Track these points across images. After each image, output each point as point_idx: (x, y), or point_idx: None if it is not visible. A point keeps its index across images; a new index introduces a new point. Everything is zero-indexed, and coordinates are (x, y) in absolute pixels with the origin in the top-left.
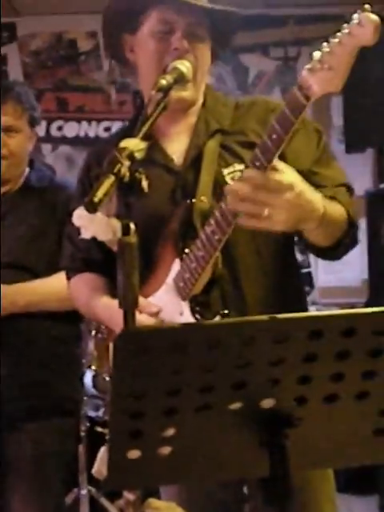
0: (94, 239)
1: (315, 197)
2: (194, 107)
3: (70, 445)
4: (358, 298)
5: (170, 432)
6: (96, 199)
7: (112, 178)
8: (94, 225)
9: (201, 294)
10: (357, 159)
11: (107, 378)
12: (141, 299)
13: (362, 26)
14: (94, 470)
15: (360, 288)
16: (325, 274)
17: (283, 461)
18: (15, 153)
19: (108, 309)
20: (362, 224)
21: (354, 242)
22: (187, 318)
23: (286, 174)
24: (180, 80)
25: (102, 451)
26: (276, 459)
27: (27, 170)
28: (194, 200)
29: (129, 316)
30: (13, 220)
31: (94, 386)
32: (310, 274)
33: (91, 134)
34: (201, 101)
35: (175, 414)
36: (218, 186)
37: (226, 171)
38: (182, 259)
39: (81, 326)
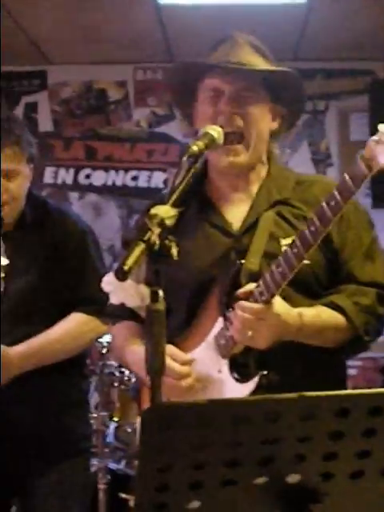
0: None
1: (289, 316)
2: (255, 175)
3: (85, 487)
4: (382, 352)
5: (195, 505)
6: (126, 267)
7: (142, 246)
8: (123, 291)
9: (240, 354)
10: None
11: (130, 430)
12: (173, 348)
13: None
14: None
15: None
16: None
17: None
18: (16, 196)
19: (135, 354)
20: None
21: (360, 347)
22: (225, 375)
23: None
24: (211, 145)
25: None
26: None
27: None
28: (243, 261)
29: (155, 384)
30: (17, 262)
31: (116, 437)
32: None
33: (118, 183)
34: (264, 169)
35: (200, 488)
36: (271, 251)
37: (283, 242)
38: (225, 318)
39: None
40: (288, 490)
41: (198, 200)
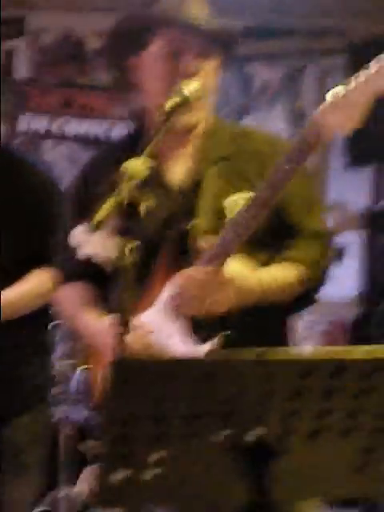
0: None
1: (247, 282)
2: (197, 130)
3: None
4: (348, 313)
5: (157, 456)
6: (96, 221)
7: (112, 200)
8: (91, 244)
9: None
10: (357, 175)
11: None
12: (135, 320)
13: (380, 74)
14: (75, 491)
15: (349, 304)
16: None
17: (266, 491)
18: None
19: (91, 326)
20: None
21: (312, 300)
22: (176, 340)
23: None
24: (185, 103)
25: (85, 472)
26: (259, 489)
27: None
28: (189, 225)
29: (121, 339)
30: None
31: (79, 387)
32: None
33: (94, 133)
34: (204, 126)
35: (163, 440)
36: (220, 215)
37: (229, 199)
38: None
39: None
40: (249, 445)
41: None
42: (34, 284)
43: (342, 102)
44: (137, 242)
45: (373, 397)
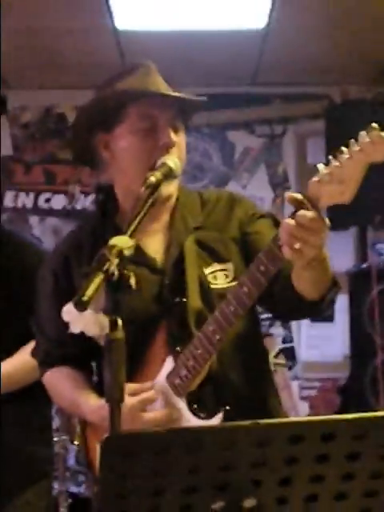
0: (69, 333)
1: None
2: (169, 202)
3: (49, 509)
4: (340, 372)
5: None
6: (85, 298)
7: (101, 276)
8: (82, 321)
9: (197, 391)
10: (340, 237)
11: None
12: (131, 385)
13: (374, 143)
14: None
15: (342, 363)
16: (307, 348)
17: None
18: None
19: (100, 409)
20: (344, 301)
21: (332, 303)
22: (185, 413)
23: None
24: (169, 176)
25: None
26: None
27: None
28: (184, 299)
29: (115, 414)
30: None
31: (77, 461)
32: (292, 348)
33: (78, 207)
34: (175, 196)
35: None
36: (203, 286)
37: (206, 271)
38: (174, 357)
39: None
40: None
41: (112, 232)
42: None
43: (337, 172)
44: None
45: (366, 459)
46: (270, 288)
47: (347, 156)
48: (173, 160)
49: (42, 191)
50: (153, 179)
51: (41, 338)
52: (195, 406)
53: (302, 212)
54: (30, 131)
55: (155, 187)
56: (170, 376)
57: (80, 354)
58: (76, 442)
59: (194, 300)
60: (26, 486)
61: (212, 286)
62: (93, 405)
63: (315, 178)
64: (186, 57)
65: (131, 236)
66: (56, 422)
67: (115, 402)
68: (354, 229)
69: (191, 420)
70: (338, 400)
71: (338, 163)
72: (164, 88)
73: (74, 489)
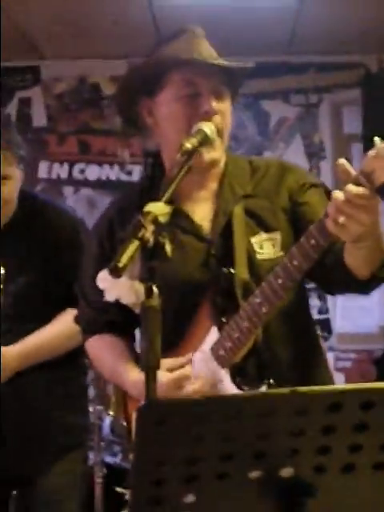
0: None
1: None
2: (217, 169)
3: (84, 480)
4: (376, 343)
5: (190, 499)
6: (120, 265)
7: (136, 243)
8: (117, 288)
9: (239, 362)
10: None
11: (125, 424)
12: (167, 360)
13: None
14: None
15: (377, 334)
16: (342, 320)
17: None
18: (9, 200)
19: (140, 384)
20: None
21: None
22: (227, 385)
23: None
24: (205, 142)
25: None
26: None
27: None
28: (232, 270)
29: (150, 380)
30: (10, 264)
31: (112, 431)
32: (327, 320)
33: (112, 178)
34: (223, 164)
35: (195, 482)
36: (250, 256)
37: (253, 240)
38: (219, 328)
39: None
40: (282, 484)
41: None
42: (67, 324)
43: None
44: (171, 284)
45: None
46: (321, 260)
47: None
48: (209, 126)
49: (77, 162)
50: (188, 146)
51: (84, 304)
52: (239, 379)
53: (350, 186)
54: (64, 102)
55: (191, 154)
56: (214, 347)
57: (123, 321)
58: (111, 412)
59: (242, 271)
60: (62, 454)
61: (258, 256)
62: (133, 378)
63: (372, 152)
64: (221, 26)
65: (167, 203)
66: (91, 392)
67: (151, 370)
68: None
69: (234, 392)
70: (374, 371)
71: None
72: (208, 54)
73: (109, 459)
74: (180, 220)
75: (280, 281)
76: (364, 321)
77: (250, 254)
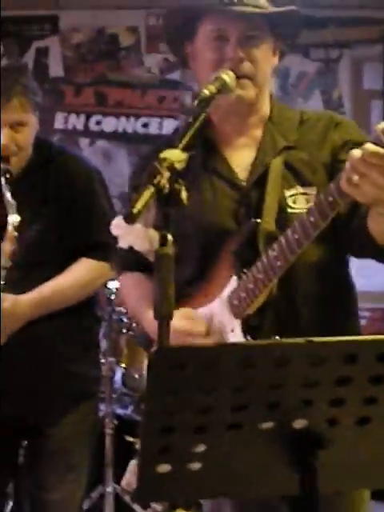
0: None
1: None
2: (259, 118)
3: (94, 431)
4: None
5: (201, 448)
6: (135, 210)
7: (151, 189)
8: (131, 235)
9: (255, 316)
10: None
11: (137, 376)
12: (185, 310)
13: None
14: (123, 483)
15: None
16: (357, 277)
17: (313, 481)
18: (24, 146)
19: (154, 324)
20: None
21: None
22: (238, 336)
23: None
24: (223, 90)
25: (132, 464)
26: (306, 479)
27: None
28: (258, 220)
29: (163, 328)
30: (25, 211)
31: (124, 383)
32: None
33: (129, 130)
34: (267, 112)
35: (206, 431)
36: (281, 209)
37: (288, 193)
38: (239, 277)
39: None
40: (294, 435)
41: (203, 146)
42: (81, 273)
43: None
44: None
45: None
46: (347, 223)
47: None
48: (228, 74)
49: (93, 113)
50: (206, 92)
51: (116, 243)
52: (249, 329)
53: (368, 144)
54: (81, 52)
55: (208, 101)
56: (230, 296)
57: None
58: (123, 365)
59: (268, 222)
60: (73, 405)
61: (289, 210)
62: (151, 317)
63: None
64: None
65: (183, 150)
66: (103, 344)
67: (163, 318)
68: None
69: (238, 336)
70: None
71: None
72: (244, 0)
73: (120, 411)
74: (218, 165)
75: (296, 236)
76: (379, 279)
77: (282, 206)
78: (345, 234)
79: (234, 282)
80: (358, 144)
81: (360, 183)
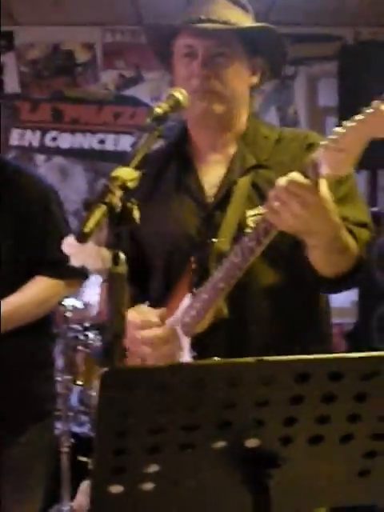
0: (133, 250)
1: (333, 218)
2: (233, 135)
3: (50, 449)
4: (347, 318)
5: (153, 469)
6: (86, 230)
7: (103, 208)
8: (83, 254)
9: (206, 334)
10: None
11: (94, 394)
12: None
13: (376, 116)
14: (75, 504)
15: (349, 309)
16: None
17: (266, 501)
18: None
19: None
20: None
21: (355, 282)
22: (185, 353)
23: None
24: (176, 108)
25: (84, 485)
26: (259, 499)
27: None
28: (215, 240)
29: (116, 347)
30: None
31: (80, 401)
32: None
33: (86, 146)
34: (243, 130)
35: (158, 452)
36: (241, 228)
37: (249, 213)
38: (193, 295)
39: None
40: (247, 455)
41: (179, 160)
42: (35, 291)
43: (340, 139)
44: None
45: (373, 400)
46: (300, 250)
47: (352, 124)
48: (180, 91)
49: (49, 129)
50: (159, 111)
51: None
52: (197, 347)
53: (293, 174)
54: (38, 68)
55: (161, 119)
56: (183, 313)
57: (133, 271)
58: (79, 382)
59: (223, 242)
60: (29, 423)
61: (248, 230)
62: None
63: (322, 142)
64: None
65: (136, 168)
66: (59, 362)
67: (116, 336)
68: (365, 172)
69: (186, 360)
70: (345, 346)
71: (343, 130)
72: (217, 16)
73: (76, 429)
74: (189, 181)
75: (236, 260)
76: (336, 295)
77: (242, 226)
78: (299, 264)
79: (187, 299)
80: None
81: (280, 211)
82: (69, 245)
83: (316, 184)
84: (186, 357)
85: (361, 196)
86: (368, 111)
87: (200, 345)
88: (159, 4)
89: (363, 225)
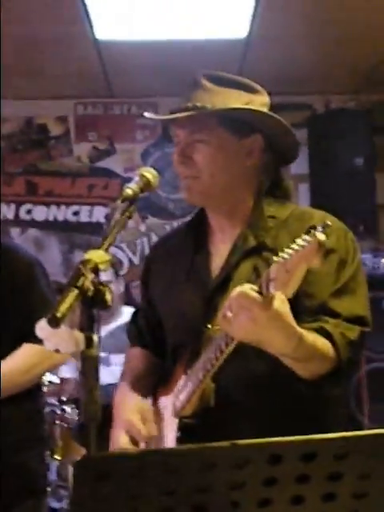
0: (155, 322)
1: (289, 331)
2: (238, 215)
3: None
4: None
5: None
6: (59, 314)
7: (75, 292)
8: (56, 337)
9: (195, 418)
10: None
11: (71, 468)
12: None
13: (310, 249)
14: None
15: None
16: None
17: None
18: None
19: (118, 404)
20: None
21: (337, 383)
22: (170, 435)
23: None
24: (146, 188)
25: None
26: None
27: None
28: (209, 326)
29: (90, 430)
30: None
31: (58, 475)
32: None
33: (60, 218)
34: (249, 210)
35: None
36: None
37: None
38: (186, 378)
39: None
40: None
41: (194, 238)
42: (22, 358)
43: (283, 264)
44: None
45: (347, 479)
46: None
47: (296, 248)
48: (150, 172)
49: (23, 202)
50: (129, 191)
51: (134, 318)
52: (183, 429)
53: (246, 285)
54: (12, 142)
55: (132, 200)
56: (176, 393)
57: (153, 345)
58: (57, 457)
59: (214, 330)
60: (20, 501)
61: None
62: (118, 398)
63: (275, 258)
64: (167, 66)
65: (107, 250)
66: None
67: (90, 420)
68: None
69: (172, 442)
70: None
71: (291, 251)
72: (197, 101)
73: (55, 504)
74: (200, 260)
75: (211, 355)
76: None
77: None
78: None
79: (182, 380)
80: (330, 251)
81: (232, 320)
82: (41, 329)
83: (268, 299)
84: (171, 437)
85: (363, 283)
86: (307, 238)
87: (186, 428)
88: (130, 77)
89: (357, 319)
